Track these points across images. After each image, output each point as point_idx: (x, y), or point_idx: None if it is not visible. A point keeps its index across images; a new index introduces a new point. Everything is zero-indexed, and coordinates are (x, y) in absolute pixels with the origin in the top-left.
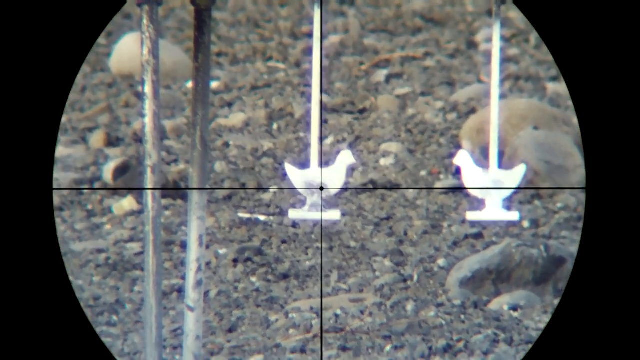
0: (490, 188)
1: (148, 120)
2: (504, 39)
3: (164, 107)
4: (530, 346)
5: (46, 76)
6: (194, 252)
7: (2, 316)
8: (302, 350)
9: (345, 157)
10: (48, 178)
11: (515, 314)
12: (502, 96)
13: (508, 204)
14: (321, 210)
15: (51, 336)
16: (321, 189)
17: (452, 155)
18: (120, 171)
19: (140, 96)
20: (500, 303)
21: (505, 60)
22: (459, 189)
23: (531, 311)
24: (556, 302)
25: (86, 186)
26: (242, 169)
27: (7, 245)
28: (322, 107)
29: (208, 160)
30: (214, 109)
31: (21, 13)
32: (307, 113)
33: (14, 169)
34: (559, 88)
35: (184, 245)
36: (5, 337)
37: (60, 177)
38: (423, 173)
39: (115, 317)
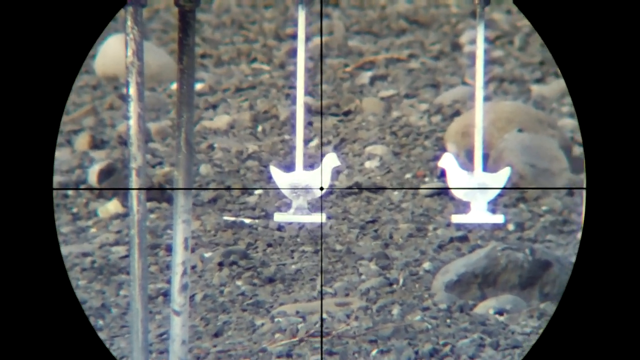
0: (490, 188)
1: (133, 122)
2: (488, 40)
3: (149, 110)
4: (517, 350)
5: (46, 77)
6: (179, 256)
7: (2, 317)
8: (289, 355)
9: (330, 160)
10: (48, 179)
11: (501, 318)
12: (487, 98)
13: (493, 207)
14: (321, 211)
15: (51, 337)
16: (321, 189)
17: (437, 158)
18: (105, 174)
19: (124, 98)
20: (486, 307)
21: (489, 62)
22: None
23: (517, 315)
24: (542, 306)
25: (71, 190)
26: (227, 172)
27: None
28: (306, 109)
29: (193, 163)
30: (199, 111)
31: (21, 15)
32: (292, 115)
33: (14, 169)
34: (544, 90)
35: (169, 249)
36: (5, 338)
37: None
38: (408, 176)
39: (101, 322)
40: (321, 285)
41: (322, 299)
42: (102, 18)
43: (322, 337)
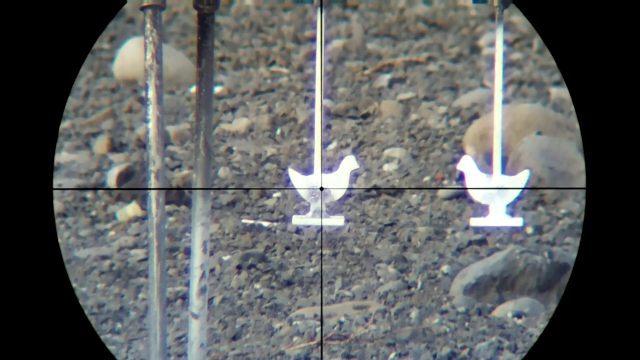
0: (493, 188)
1: (151, 125)
2: (506, 43)
3: (168, 113)
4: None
5: (46, 78)
6: (197, 259)
7: (3, 321)
8: (306, 358)
9: (349, 163)
10: (48, 179)
11: (519, 321)
12: (505, 101)
13: (511, 210)
14: (321, 212)
15: (51, 337)
16: (321, 189)
17: (455, 161)
18: (124, 177)
19: (143, 101)
20: (504, 310)
21: (508, 64)
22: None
23: (535, 318)
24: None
25: (89, 193)
26: (246, 175)
27: (7, 246)
28: (325, 112)
29: (211, 165)
30: (217, 114)
31: (21, 15)
32: (311, 118)
33: (14, 170)
34: (563, 93)
35: (187, 252)
36: (5, 338)
37: (65, 182)
38: (426, 179)
39: (119, 325)
40: (321, 288)
41: (321, 304)
42: (102, 17)
43: (321, 340)
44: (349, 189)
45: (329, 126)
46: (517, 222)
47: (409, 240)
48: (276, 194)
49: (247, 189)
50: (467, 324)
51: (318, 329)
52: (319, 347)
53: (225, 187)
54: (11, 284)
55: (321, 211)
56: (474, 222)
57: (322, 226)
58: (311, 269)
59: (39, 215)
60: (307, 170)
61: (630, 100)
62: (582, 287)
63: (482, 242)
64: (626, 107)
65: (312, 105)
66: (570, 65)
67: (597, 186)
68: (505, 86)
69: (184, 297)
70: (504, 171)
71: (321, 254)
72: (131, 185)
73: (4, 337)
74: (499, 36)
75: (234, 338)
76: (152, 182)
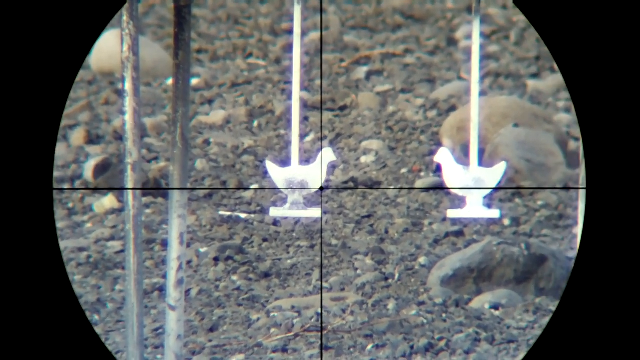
0: (494, 189)
1: (128, 117)
2: (483, 35)
3: (144, 105)
4: (512, 345)
5: (46, 77)
6: (175, 251)
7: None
8: (284, 349)
9: (326, 155)
10: (48, 178)
11: (497, 313)
12: (482, 93)
13: (489, 202)
14: (321, 211)
15: (50, 333)
16: (321, 188)
17: (432, 153)
18: (101, 169)
19: (120, 93)
20: (482, 302)
21: (485, 57)
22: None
23: (512, 310)
24: (538, 300)
25: (67, 184)
26: (223, 167)
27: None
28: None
29: (189, 157)
30: (195, 106)
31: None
32: (288, 110)
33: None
34: (540, 85)
35: (165, 244)
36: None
37: None
38: (404, 170)
39: (96, 316)
40: (321, 286)
41: (321, 296)
42: (102, 17)
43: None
44: (349, 187)
45: (306, 118)
46: (494, 213)
47: (387, 232)
48: (254, 186)
49: (222, 189)
50: (444, 315)
51: (296, 321)
52: (297, 339)
53: (202, 180)
54: (11, 284)
55: (321, 211)
56: (451, 213)
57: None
58: (288, 261)
59: (39, 215)
60: (285, 162)
61: (630, 100)
62: (582, 287)
63: (459, 233)
64: (626, 107)
65: (290, 97)
66: (570, 65)
67: (597, 186)
68: (482, 78)
69: (161, 289)
70: (480, 163)
71: (321, 253)
72: (108, 177)
73: (4, 337)
74: (476, 28)
75: (212, 330)
76: (129, 174)
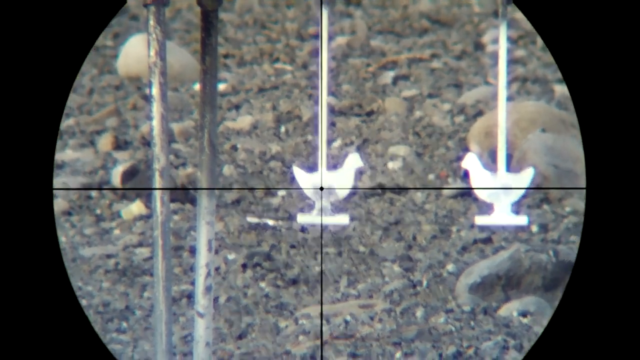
0: (496, 188)
1: (156, 123)
2: (510, 40)
3: (172, 110)
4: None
5: (46, 77)
6: (203, 257)
7: (3, 321)
8: (312, 357)
9: (353, 161)
10: (48, 179)
11: (525, 320)
12: (510, 98)
13: (516, 209)
14: (321, 211)
15: (50, 336)
16: (321, 189)
17: (460, 159)
18: (129, 175)
19: (147, 99)
20: (510, 309)
21: (512, 61)
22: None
23: (541, 317)
24: None
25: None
26: (250, 173)
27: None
28: (329, 109)
29: (216, 163)
30: (222, 112)
31: (21, 13)
32: (315, 115)
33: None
34: (567, 90)
35: (193, 251)
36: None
37: (69, 181)
38: (431, 176)
39: (124, 324)
40: (321, 289)
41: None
42: (102, 16)
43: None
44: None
45: (333, 124)
46: (522, 220)
47: (414, 238)
48: (281, 193)
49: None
50: (472, 323)
51: (324, 328)
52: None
53: (229, 186)
54: (11, 284)
55: (321, 211)
56: (479, 220)
57: (322, 226)
58: (317, 268)
59: (39, 215)
60: (312, 167)
61: (631, 100)
62: (583, 287)
63: (487, 240)
64: (626, 107)
65: (316, 102)
66: (570, 65)
67: (597, 186)
68: (509, 83)
69: (190, 296)
70: (508, 169)
71: (321, 253)
72: (135, 182)
73: (4, 337)
74: (503, 33)
75: (240, 337)
76: (157, 180)
